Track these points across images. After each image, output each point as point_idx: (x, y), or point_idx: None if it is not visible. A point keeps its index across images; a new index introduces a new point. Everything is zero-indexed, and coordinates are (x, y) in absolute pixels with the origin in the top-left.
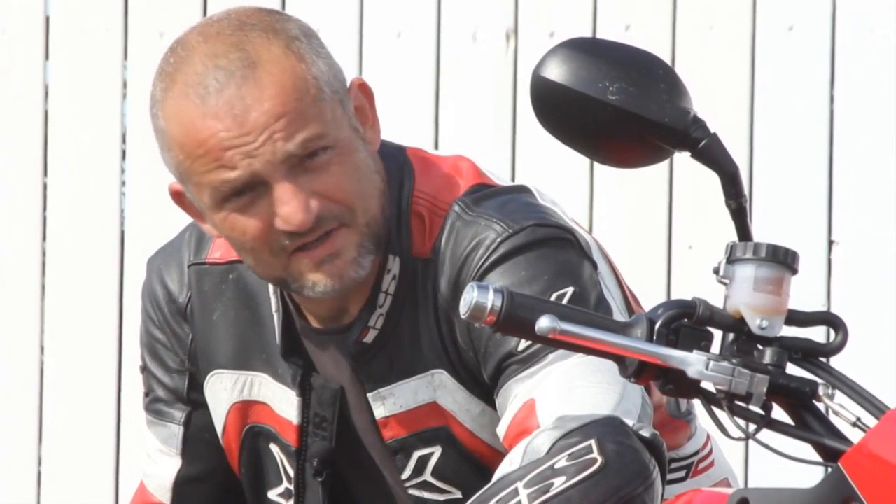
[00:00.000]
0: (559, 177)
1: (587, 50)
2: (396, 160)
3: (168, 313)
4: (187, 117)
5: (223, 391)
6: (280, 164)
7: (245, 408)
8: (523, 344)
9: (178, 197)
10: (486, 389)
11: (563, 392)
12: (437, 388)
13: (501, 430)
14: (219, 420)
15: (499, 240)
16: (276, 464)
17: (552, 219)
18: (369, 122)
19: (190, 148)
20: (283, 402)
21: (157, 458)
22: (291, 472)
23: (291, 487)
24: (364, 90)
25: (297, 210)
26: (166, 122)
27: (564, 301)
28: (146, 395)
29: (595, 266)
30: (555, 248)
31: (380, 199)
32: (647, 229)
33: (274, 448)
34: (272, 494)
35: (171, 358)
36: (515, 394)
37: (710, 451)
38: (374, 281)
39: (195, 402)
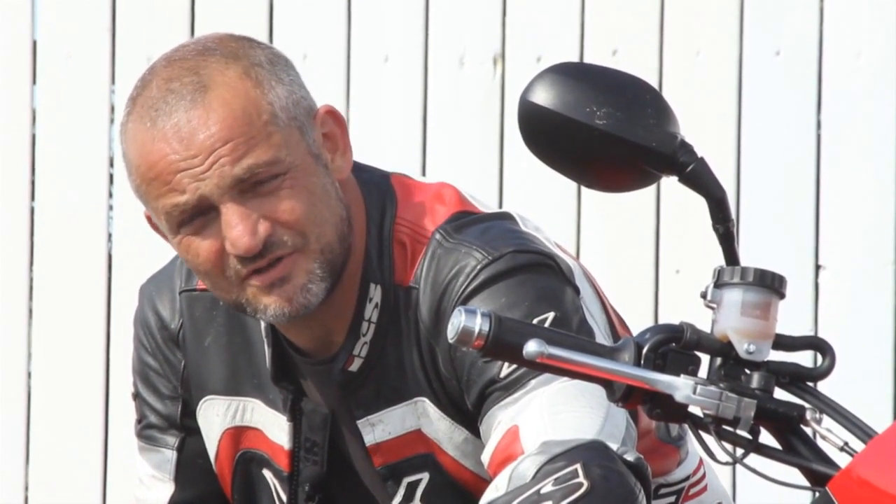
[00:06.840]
0: (546, 201)
1: (574, 75)
2: (380, 187)
3: (160, 340)
4: (140, 140)
5: (215, 417)
6: (228, 188)
7: (237, 433)
8: (506, 370)
9: (150, 221)
10: (468, 417)
11: (547, 417)
12: (420, 415)
13: (486, 457)
14: (211, 446)
15: (479, 267)
16: (269, 489)
17: (532, 245)
18: (339, 149)
19: (143, 171)
20: (274, 427)
21: (151, 484)
22: (284, 497)
23: None
24: (334, 117)
25: (243, 234)
26: (125, 146)
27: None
28: (138, 421)
29: (577, 291)
30: (535, 273)
31: (338, 227)
32: (634, 253)
33: (266, 473)
34: None
35: (163, 384)
36: (499, 420)
37: (703, 477)
38: (356, 309)
39: (188, 428)
